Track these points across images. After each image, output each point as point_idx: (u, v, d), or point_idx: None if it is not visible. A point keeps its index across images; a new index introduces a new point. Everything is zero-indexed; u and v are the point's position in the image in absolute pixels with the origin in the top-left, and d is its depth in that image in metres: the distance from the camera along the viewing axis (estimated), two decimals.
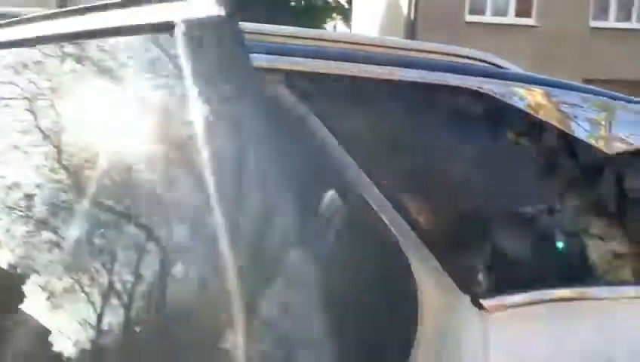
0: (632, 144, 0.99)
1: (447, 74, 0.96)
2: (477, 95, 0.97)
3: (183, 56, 0.62)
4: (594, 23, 14.30)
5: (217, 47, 0.62)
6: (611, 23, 14.44)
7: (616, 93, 1.10)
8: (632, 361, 0.85)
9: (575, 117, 1.02)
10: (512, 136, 1.01)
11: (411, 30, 14.12)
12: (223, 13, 0.60)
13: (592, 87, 1.09)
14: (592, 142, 0.96)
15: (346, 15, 22.46)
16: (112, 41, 0.76)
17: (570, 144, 0.99)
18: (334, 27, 22.06)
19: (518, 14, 14.34)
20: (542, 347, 0.84)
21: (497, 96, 0.98)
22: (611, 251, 0.93)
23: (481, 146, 0.98)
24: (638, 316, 0.89)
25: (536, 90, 1.02)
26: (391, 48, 1.15)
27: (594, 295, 0.90)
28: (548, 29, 13.55)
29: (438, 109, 0.96)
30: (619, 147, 0.98)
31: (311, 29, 1.21)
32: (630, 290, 0.92)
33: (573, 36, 13.43)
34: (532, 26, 14.03)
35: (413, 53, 1.12)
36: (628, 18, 14.65)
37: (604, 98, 1.06)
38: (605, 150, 0.97)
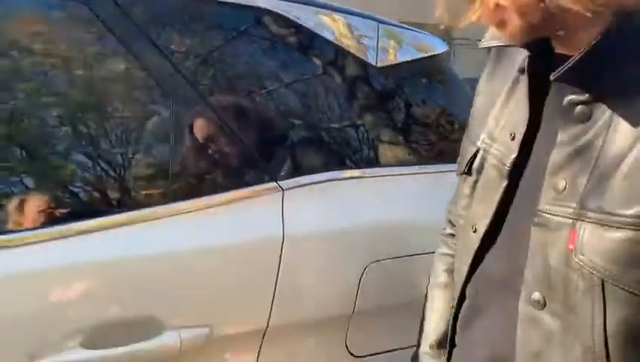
0: (399, 60, 1.26)
1: None
2: (283, 19, 1.15)
3: None
4: None
5: None
6: None
7: (395, 22, 1.35)
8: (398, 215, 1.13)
9: (363, 43, 1.25)
10: (312, 56, 1.20)
11: None
12: None
13: (378, 16, 1.32)
14: (369, 60, 1.20)
15: None
16: None
17: (355, 62, 1.22)
18: None
19: None
20: (331, 216, 1.09)
21: (302, 22, 1.16)
22: (382, 138, 1.20)
23: (288, 63, 1.17)
24: (402, 186, 1.17)
25: (338, 17, 1.22)
26: None
27: (372, 173, 1.16)
28: None
29: (245, 28, 1.12)
30: (389, 62, 1.24)
31: None
32: (404, 169, 1.19)
33: None
34: None
35: None
36: None
37: (387, 26, 1.30)
38: (378, 65, 1.22)
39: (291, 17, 1.15)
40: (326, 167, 1.11)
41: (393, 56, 1.25)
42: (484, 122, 0.71)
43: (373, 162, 1.19)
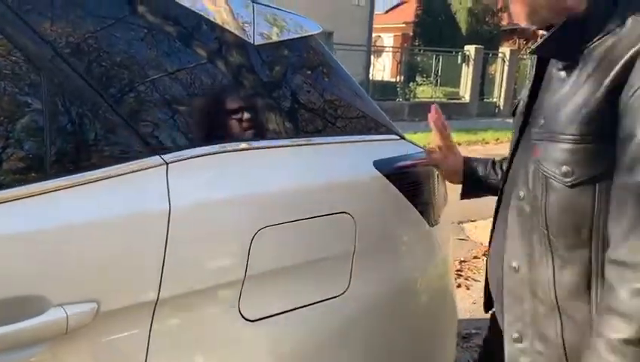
0: (272, 38, 1.30)
1: None
2: None
3: None
4: None
5: None
6: None
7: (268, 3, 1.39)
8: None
9: (240, 21, 1.27)
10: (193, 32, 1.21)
11: None
12: None
13: None
14: (247, 37, 1.24)
15: None
16: None
17: (234, 40, 1.25)
18: None
19: None
20: (218, 186, 1.10)
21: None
22: (264, 113, 1.24)
23: (167, 37, 1.16)
24: (287, 156, 1.22)
25: None
26: None
27: (258, 145, 1.19)
28: None
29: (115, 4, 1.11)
30: (267, 40, 1.28)
31: None
32: (286, 141, 1.24)
33: None
34: None
35: None
36: None
37: (261, 6, 1.34)
38: (252, 42, 1.26)
39: None
40: (211, 140, 1.13)
41: (270, 35, 1.30)
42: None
43: (258, 135, 1.22)
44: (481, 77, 15.93)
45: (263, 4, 1.35)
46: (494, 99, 16.37)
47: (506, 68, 16.05)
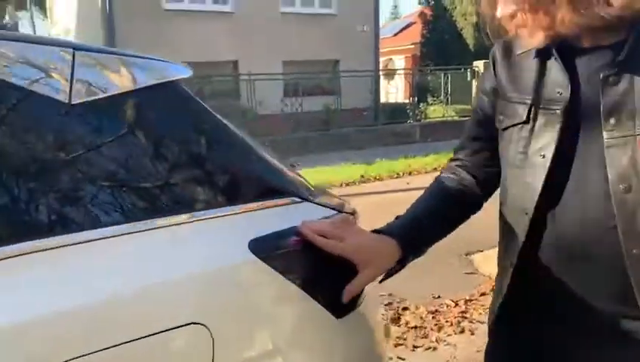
0: (106, 93, 1.00)
1: None
2: None
3: None
4: (283, 9, 15.58)
5: None
6: (298, 8, 15.91)
7: (108, 48, 1.10)
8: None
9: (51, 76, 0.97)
10: None
11: (108, 20, 13.46)
12: None
13: (78, 42, 1.07)
14: (53, 94, 0.94)
15: (41, 5, 22.50)
16: None
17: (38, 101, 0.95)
18: (31, 17, 22.07)
19: (215, 1, 14.82)
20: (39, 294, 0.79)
21: None
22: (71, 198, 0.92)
23: None
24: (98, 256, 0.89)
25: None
26: None
27: (64, 242, 0.87)
28: (243, 14, 14.30)
29: None
30: (89, 98, 0.98)
31: None
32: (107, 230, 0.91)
33: (266, 20, 14.41)
34: (228, 13, 14.63)
35: None
36: (311, 4, 16.30)
37: (92, 53, 1.05)
38: (73, 102, 0.95)
39: None
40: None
41: (94, 90, 0.99)
42: (522, 89, 1.06)
43: (64, 227, 0.88)
44: None
45: (93, 50, 1.04)
46: None
47: None
